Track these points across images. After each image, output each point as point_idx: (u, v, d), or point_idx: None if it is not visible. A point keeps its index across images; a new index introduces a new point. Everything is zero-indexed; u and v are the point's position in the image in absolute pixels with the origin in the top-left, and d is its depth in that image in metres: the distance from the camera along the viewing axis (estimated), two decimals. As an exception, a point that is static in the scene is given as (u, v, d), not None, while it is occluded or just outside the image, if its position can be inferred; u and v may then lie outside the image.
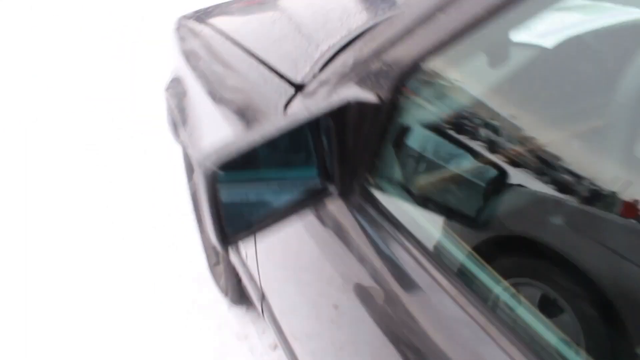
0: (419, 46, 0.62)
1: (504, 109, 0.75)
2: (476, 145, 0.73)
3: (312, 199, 0.74)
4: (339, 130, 0.70)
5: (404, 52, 0.65)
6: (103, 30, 4.59)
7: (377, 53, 0.69)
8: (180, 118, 1.66)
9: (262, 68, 1.18)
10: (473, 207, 0.77)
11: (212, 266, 2.01)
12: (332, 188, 0.74)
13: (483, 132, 0.73)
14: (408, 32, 0.64)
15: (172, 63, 1.84)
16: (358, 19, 1.26)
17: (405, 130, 0.73)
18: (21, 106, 3.69)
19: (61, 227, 2.46)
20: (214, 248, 1.93)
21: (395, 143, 0.73)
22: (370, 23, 1.10)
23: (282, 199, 0.72)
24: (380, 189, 0.74)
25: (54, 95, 3.76)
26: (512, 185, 0.73)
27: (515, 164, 0.72)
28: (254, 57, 1.24)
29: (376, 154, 0.72)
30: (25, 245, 2.37)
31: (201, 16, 1.75)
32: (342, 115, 0.69)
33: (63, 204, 2.61)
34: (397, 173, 0.76)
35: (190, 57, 1.61)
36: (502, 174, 0.73)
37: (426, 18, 0.61)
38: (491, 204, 0.76)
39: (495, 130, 0.73)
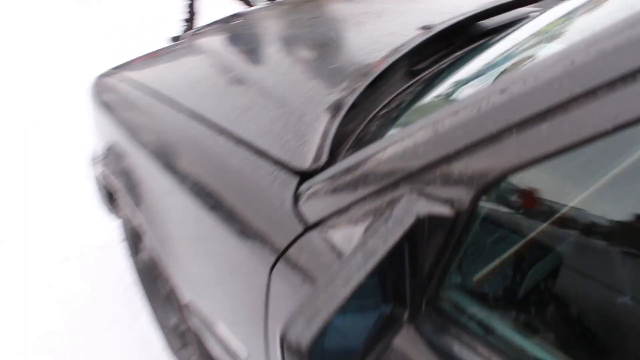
0: (510, 158, 0.51)
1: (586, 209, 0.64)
2: (560, 246, 0.64)
3: (383, 331, 0.65)
4: (411, 249, 0.61)
5: (487, 162, 0.54)
6: (103, 30, 4.58)
7: (447, 158, 0.58)
8: (130, 197, 1.34)
9: (240, 149, 0.98)
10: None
11: (177, 350, 1.76)
12: (401, 311, 0.65)
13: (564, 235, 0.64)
14: (493, 139, 0.52)
15: (100, 130, 1.55)
16: (330, 79, 1.08)
17: (483, 241, 0.65)
18: (21, 106, 3.69)
19: (61, 227, 2.45)
20: (175, 329, 1.69)
21: (471, 255, 0.64)
22: (360, 87, 0.97)
23: (355, 341, 0.63)
24: (457, 306, 0.65)
25: (54, 95, 3.74)
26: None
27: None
28: (225, 133, 1.03)
29: (449, 268, 0.63)
30: (25, 244, 2.37)
31: (128, 76, 1.45)
32: (414, 233, 0.60)
33: (63, 204, 2.60)
34: (476, 286, 0.67)
35: (134, 129, 1.29)
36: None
37: (521, 126, 0.49)
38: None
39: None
